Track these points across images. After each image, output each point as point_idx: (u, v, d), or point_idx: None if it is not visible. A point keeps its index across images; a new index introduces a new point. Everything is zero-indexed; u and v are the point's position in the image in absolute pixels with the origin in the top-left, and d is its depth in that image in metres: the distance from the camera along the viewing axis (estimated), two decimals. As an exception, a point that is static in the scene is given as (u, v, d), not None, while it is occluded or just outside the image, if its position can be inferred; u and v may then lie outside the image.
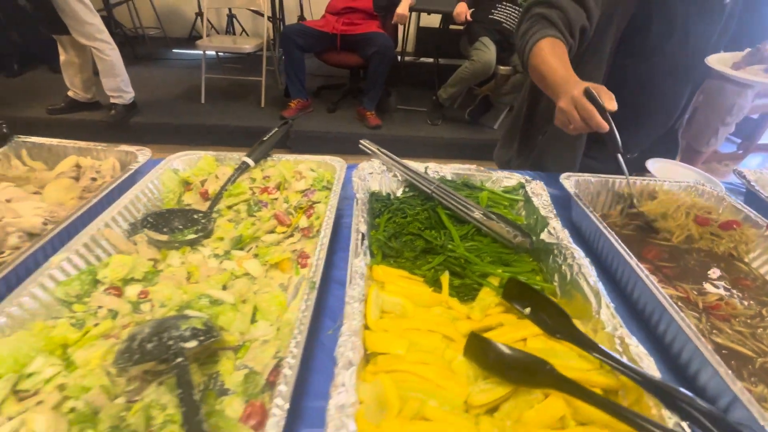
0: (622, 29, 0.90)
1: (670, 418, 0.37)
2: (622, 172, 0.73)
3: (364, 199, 0.64)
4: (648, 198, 0.78)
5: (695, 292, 0.61)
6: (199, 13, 4.48)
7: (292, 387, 0.37)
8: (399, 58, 3.25)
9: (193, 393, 0.36)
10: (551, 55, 0.81)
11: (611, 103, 0.68)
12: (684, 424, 0.37)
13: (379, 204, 0.69)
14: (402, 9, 2.58)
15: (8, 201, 0.58)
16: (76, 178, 0.71)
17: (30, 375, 0.40)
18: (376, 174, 0.73)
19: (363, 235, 0.55)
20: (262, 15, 3.07)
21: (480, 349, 0.41)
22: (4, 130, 0.75)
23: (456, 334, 0.47)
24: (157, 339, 0.40)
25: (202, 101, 3.07)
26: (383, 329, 0.46)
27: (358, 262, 0.50)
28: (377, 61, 2.65)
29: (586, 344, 0.43)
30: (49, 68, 3.41)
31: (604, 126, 0.67)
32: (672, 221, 0.71)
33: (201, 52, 3.06)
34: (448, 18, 2.99)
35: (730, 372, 0.42)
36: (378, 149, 0.74)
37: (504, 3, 2.66)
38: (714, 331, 0.56)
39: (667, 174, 0.91)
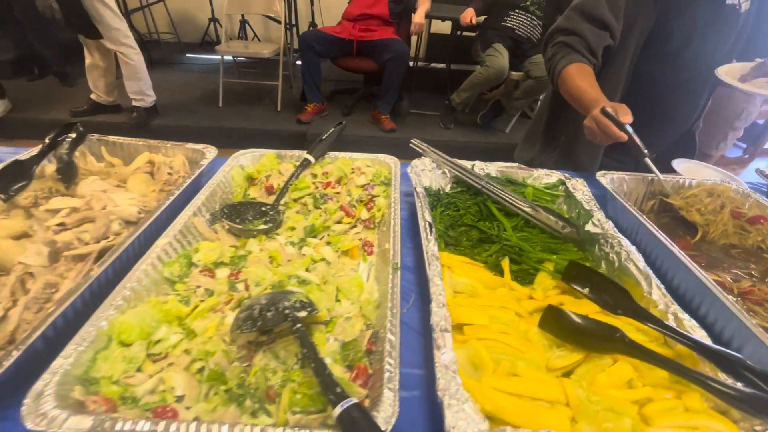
0: (645, 37, 0.97)
1: (726, 380, 0.42)
2: (652, 172, 0.79)
3: (423, 193, 0.70)
4: (678, 194, 0.84)
5: (730, 279, 0.66)
6: (213, 19, 4.57)
7: (398, 349, 0.42)
8: (411, 63, 3.32)
9: (316, 351, 0.41)
10: (579, 79, 0.91)
11: (626, 118, 0.76)
12: (739, 384, 0.42)
13: (431, 198, 0.75)
14: (419, 18, 2.65)
15: (104, 191, 0.64)
16: (150, 173, 0.77)
17: (158, 341, 0.46)
18: (427, 171, 0.79)
19: (430, 224, 0.61)
20: (279, 22, 3.14)
21: (555, 320, 0.46)
22: (81, 129, 0.80)
23: (523, 311, 0.52)
24: (274, 309, 0.45)
25: (220, 105, 3.13)
26: (459, 305, 0.51)
27: (431, 246, 0.56)
28: (393, 67, 2.72)
29: (647, 318, 0.48)
30: (53, 74, 3.44)
31: (622, 137, 0.74)
32: (709, 216, 0.76)
33: (217, 56, 3.13)
34: (458, 25, 3.06)
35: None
36: (428, 148, 0.80)
37: (516, 11, 2.73)
38: (750, 313, 0.61)
39: (693, 173, 0.97)
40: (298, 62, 3.78)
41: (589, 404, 0.40)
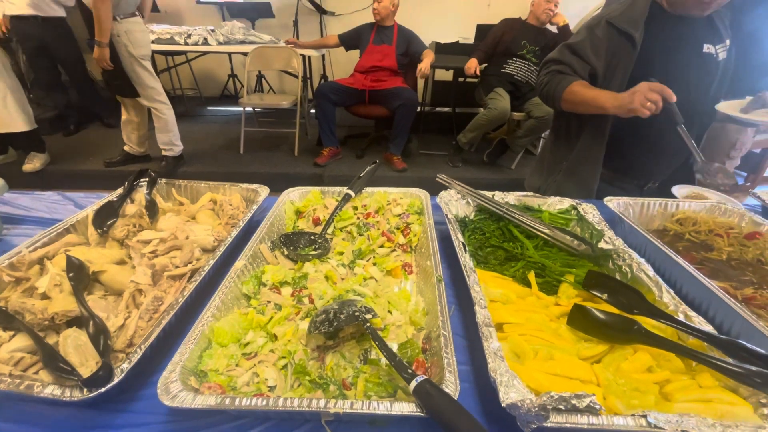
0: (629, 75, 1.11)
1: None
2: (687, 145, 0.96)
3: (454, 218, 0.80)
4: (675, 217, 0.93)
5: (731, 287, 0.74)
6: (232, 75, 4.95)
7: (452, 342, 0.50)
8: (419, 108, 3.55)
9: (385, 342, 0.49)
10: (587, 89, 1.09)
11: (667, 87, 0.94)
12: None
13: (459, 224, 0.85)
14: (425, 64, 2.89)
15: (184, 224, 0.75)
16: (213, 210, 0.88)
17: (247, 344, 0.55)
18: (453, 201, 0.90)
19: (463, 243, 0.71)
20: (296, 76, 3.43)
21: (581, 317, 0.55)
22: (152, 175, 0.93)
23: (552, 315, 0.60)
24: (345, 312, 0.54)
25: (241, 151, 3.35)
26: (496, 309, 0.59)
27: (468, 260, 0.65)
28: (403, 112, 2.93)
29: (660, 315, 0.56)
30: (102, 124, 3.78)
31: (673, 95, 0.94)
32: (718, 240, 0.85)
33: (237, 108, 3.39)
34: (460, 72, 3.32)
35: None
36: (453, 181, 0.91)
37: (514, 58, 2.97)
38: (753, 316, 0.68)
39: (693, 197, 1.06)
40: (313, 111, 4.06)
41: (616, 385, 0.48)
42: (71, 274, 0.59)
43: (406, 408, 0.42)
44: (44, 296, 0.59)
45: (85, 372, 0.46)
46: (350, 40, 3.20)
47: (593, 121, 1.17)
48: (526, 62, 2.95)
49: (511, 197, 0.92)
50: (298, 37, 4.44)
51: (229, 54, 4.55)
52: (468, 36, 4.22)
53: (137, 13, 2.44)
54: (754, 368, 0.47)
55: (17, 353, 0.50)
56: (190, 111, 4.55)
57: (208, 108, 4.83)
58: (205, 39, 3.46)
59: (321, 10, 4.46)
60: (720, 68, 1.15)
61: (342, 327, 0.53)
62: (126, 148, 2.97)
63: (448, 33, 4.41)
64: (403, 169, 3.04)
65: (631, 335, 0.52)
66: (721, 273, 0.79)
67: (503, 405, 0.42)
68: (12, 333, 0.53)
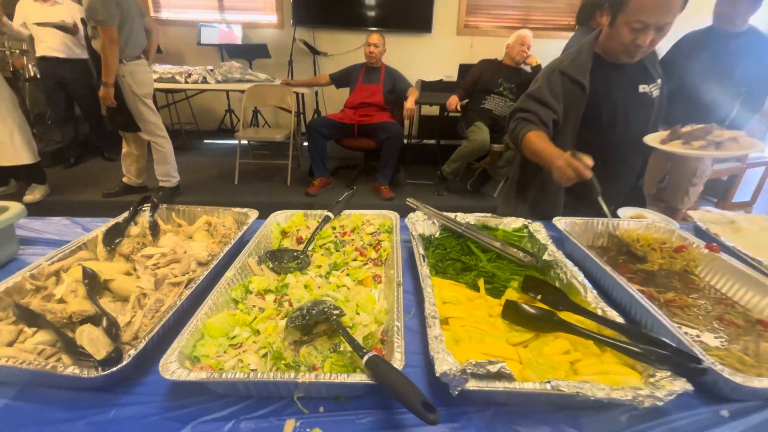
0: (582, 114, 1.27)
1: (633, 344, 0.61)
2: (603, 212, 1.02)
3: (418, 236, 0.92)
4: (620, 231, 1.07)
5: (655, 291, 0.86)
6: (229, 110, 5.18)
7: (403, 331, 0.61)
8: (406, 140, 3.76)
9: (347, 330, 0.60)
10: (539, 140, 1.20)
11: (589, 160, 1.03)
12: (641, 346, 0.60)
13: (424, 241, 0.97)
14: (410, 104, 3.11)
15: (183, 242, 0.86)
16: (208, 231, 1.00)
17: (234, 337, 0.65)
18: (420, 221, 1.02)
19: (423, 255, 0.83)
20: (290, 111, 3.64)
21: (513, 311, 0.66)
22: (154, 201, 1.05)
23: (494, 313, 0.72)
24: (316, 309, 0.65)
25: (236, 182, 3.49)
26: (445, 307, 0.71)
27: (425, 269, 0.77)
28: (390, 144, 3.12)
29: (580, 310, 0.68)
30: (103, 157, 3.95)
31: (587, 174, 1.01)
32: (647, 248, 0.98)
33: (233, 141, 3.57)
34: (444, 107, 3.55)
35: (671, 320, 0.66)
36: (421, 204, 1.05)
37: (492, 95, 3.21)
38: (673, 316, 0.80)
39: (635, 217, 1.20)
40: (305, 143, 4.25)
41: (536, 363, 0.58)
42: (86, 281, 0.69)
43: (359, 378, 0.53)
44: (60, 301, 0.70)
45: (99, 357, 0.56)
46: (341, 79, 3.44)
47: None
48: (504, 98, 3.19)
49: (471, 218, 1.05)
50: (292, 76, 4.72)
51: (227, 91, 4.79)
52: (451, 74, 4.52)
53: (142, 56, 2.65)
54: (647, 347, 0.58)
55: (40, 345, 0.60)
56: (187, 144, 4.73)
57: (204, 141, 5.02)
58: (205, 78, 3.68)
59: (314, 51, 4.76)
60: (655, 104, 1.33)
61: (314, 320, 0.64)
62: (125, 179, 3.10)
63: (433, 72, 4.72)
64: (390, 197, 3.19)
65: (551, 325, 0.64)
66: (650, 281, 0.92)
67: (437, 375, 0.52)
68: (35, 329, 0.63)
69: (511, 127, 1.35)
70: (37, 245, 1.00)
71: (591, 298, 0.73)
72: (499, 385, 0.52)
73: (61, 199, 3.12)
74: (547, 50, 4.34)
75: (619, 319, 0.67)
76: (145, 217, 1.02)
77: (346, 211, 1.07)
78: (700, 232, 1.12)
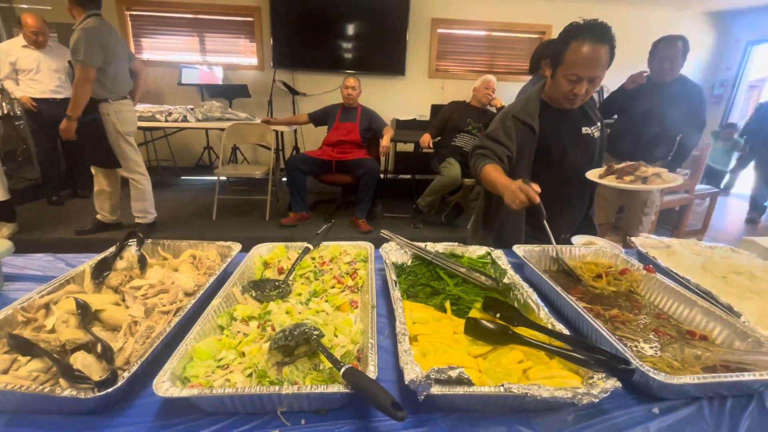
0: (534, 151, 1.43)
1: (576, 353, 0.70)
2: (549, 237, 1.15)
3: (391, 264, 1.01)
4: (571, 257, 1.19)
5: (601, 309, 0.96)
6: (208, 147, 5.25)
7: (376, 346, 0.69)
8: (382, 175, 3.92)
9: (326, 348, 0.67)
10: (494, 172, 1.33)
11: (537, 187, 1.14)
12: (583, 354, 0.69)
13: (397, 269, 1.06)
14: (385, 141, 3.29)
15: (170, 274, 0.92)
16: (193, 263, 1.05)
17: (221, 359, 0.70)
18: (393, 251, 1.12)
19: (395, 280, 0.91)
20: (270, 148, 3.75)
21: (473, 326, 0.74)
22: (140, 236, 1.11)
23: (458, 331, 0.80)
24: (298, 330, 0.71)
25: (214, 218, 3.51)
26: (415, 326, 0.78)
27: (396, 293, 0.85)
28: (367, 180, 3.25)
29: (533, 325, 0.77)
30: (76, 195, 3.90)
31: (537, 198, 1.11)
32: (588, 273, 1.10)
33: (211, 177, 3.63)
34: (418, 144, 3.76)
35: (612, 333, 0.77)
36: (394, 235, 1.14)
37: (462, 133, 3.44)
38: (616, 330, 0.90)
39: (585, 243, 1.33)
40: (284, 179, 4.33)
41: (493, 371, 0.67)
42: (79, 311, 0.74)
43: (337, 388, 0.59)
44: (51, 332, 0.73)
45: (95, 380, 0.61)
46: (319, 118, 3.60)
47: None
48: (472, 136, 3.42)
49: (440, 246, 1.15)
50: (272, 114, 4.89)
51: (206, 129, 4.88)
52: (424, 114, 4.80)
53: (128, 96, 2.75)
54: (589, 354, 0.68)
55: (34, 372, 0.64)
56: (165, 180, 4.73)
57: (182, 177, 5.03)
58: (185, 116, 3.78)
59: (293, 92, 4.97)
60: (597, 144, 1.51)
61: (296, 341, 0.70)
62: (99, 216, 3.08)
63: (407, 111, 5.00)
64: (368, 231, 3.28)
65: (506, 338, 0.72)
66: (599, 300, 1.03)
67: (406, 382, 0.60)
68: (29, 358, 0.67)
69: (471, 162, 1.50)
70: (21, 281, 1.03)
71: (543, 315, 0.83)
72: (459, 389, 0.59)
73: (30, 238, 3.04)
74: (510, 92, 4.71)
75: (566, 332, 0.77)
76: (130, 251, 1.06)
77: (325, 243, 1.15)
78: (641, 256, 1.25)
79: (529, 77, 2.79)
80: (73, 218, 3.38)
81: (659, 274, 1.06)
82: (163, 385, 0.59)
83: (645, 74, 2.49)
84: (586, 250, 1.22)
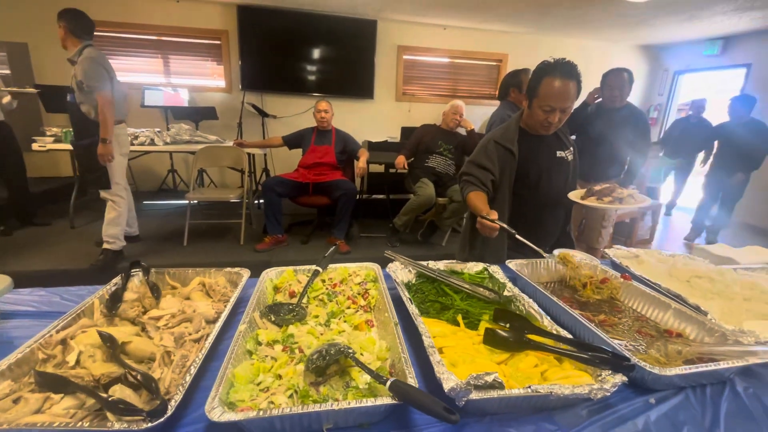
0: (514, 174, 1.57)
1: (582, 354, 0.79)
2: (532, 248, 1.26)
3: (402, 282, 1.07)
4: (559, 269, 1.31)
5: (592, 315, 1.07)
6: (172, 170, 5.08)
7: (410, 362, 0.74)
8: (358, 196, 3.98)
9: (366, 366, 0.71)
10: (475, 199, 1.47)
11: (493, 215, 1.28)
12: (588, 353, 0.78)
13: (404, 287, 1.12)
14: (362, 163, 3.38)
15: (187, 302, 0.92)
16: (203, 291, 1.05)
17: (260, 383, 0.72)
18: (399, 270, 1.18)
19: (410, 299, 0.97)
20: (242, 171, 3.71)
21: (492, 336, 0.82)
22: (144, 265, 1.09)
23: (475, 342, 0.87)
24: (334, 349, 0.75)
25: (185, 244, 3.39)
26: (437, 339, 0.85)
27: (414, 309, 0.91)
28: (344, 201, 3.30)
29: (542, 332, 0.85)
30: (33, 224, 3.64)
31: (495, 226, 1.26)
32: (578, 282, 1.22)
33: (177, 201, 3.53)
34: (390, 165, 3.88)
35: (605, 334, 0.87)
36: (397, 255, 1.20)
37: (434, 154, 3.60)
38: (599, 329, 1.01)
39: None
40: (255, 202, 4.27)
41: (516, 376, 0.74)
42: (108, 344, 0.73)
43: (386, 400, 0.64)
44: (73, 367, 0.72)
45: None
46: (293, 141, 3.63)
47: (497, 204, 1.57)
48: (444, 157, 3.59)
49: (441, 264, 1.23)
50: (242, 136, 4.84)
51: (170, 152, 4.74)
52: (395, 135, 4.96)
53: (123, 120, 2.83)
54: (594, 354, 0.77)
55: (72, 409, 0.63)
56: (126, 206, 4.49)
57: (144, 202, 4.81)
58: (152, 139, 3.67)
59: (263, 114, 4.97)
60: (570, 166, 1.67)
61: (333, 360, 0.74)
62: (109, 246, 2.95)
63: (378, 133, 5.14)
64: (347, 251, 3.31)
65: (522, 345, 0.80)
66: (585, 307, 1.14)
67: (446, 390, 0.65)
68: (61, 395, 0.65)
69: (459, 186, 1.63)
70: (16, 318, 0.98)
71: (547, 322, 0.92)
72: (493, 393, 0.66)
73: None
74: (473, 115, 5.02)
75: (570, 336, 0.86)
76: (134, 281, 1.05)
77: (332, 265, 1.19)
78: (615, 266, 1.40)
79: (497, 103, 3.00)
80: (26, 249, 3.14)
81: (635, 281, 1.19)
82: (216, 411, 0.61)
83: (596, 96, 2.80)
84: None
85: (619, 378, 0.71)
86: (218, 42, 5.00)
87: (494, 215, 1.28)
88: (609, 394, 0.68)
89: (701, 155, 4.86)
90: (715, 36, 5.42)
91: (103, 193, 2.80)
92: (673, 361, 0.87)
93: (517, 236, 1.25)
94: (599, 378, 0.73)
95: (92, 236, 3.33)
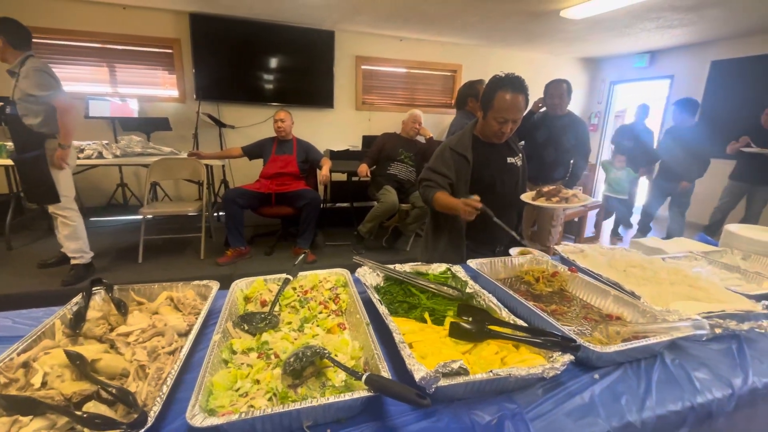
0: (470, 178, 1.68)
1: (536, 339, 0.88)
2: (504, 229, 1.38)
3: (371, 286, 1.12)
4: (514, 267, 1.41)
5: (544, 306, 1.18)
6: (122, 184, 4.82)
7: (383, 358, 0.79)
8: (321, 205, 3.99)
9: (342, 364, 0.75)
10: (444, 197, 1.58)
11: (476, 197, 1.45)
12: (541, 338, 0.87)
13: (374, 289, 1.17)
14: (325, 171, 3.40)
15: (157, 317, 0.91)
16: (171, 305, 1.05)
17: (238, 389, 0.74)
18: (367, 274, 1.23)
19: (380, 300, 1.02)
20: (198, 183, 3.61)
21: (456, 328, 0.89)
22: (105, 282, 1.07)
23: (441, 336, 0.94)
24: (310, 351, 0.78)
25: (140, 261, 3.23)
26: (406, 336, 0.90)
27: (384, 309, 0.97)
28: (308, 210, 3.31)
29: (500, 323, 0.94)
30: None
31: (479, 205, 1.43)
32: (531, 277, 1.32)
33: (129, 217, 3.38)
34: (352, 173, 3.93)
35: (556, 322, 0.97)
36: (365, 260, 1.26)
37: (395, 162, 3.70)
38: (558, 320, 1.12)
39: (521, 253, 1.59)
40: (215, 214, 4.16)
41: (478, 363, 0.81)
42: (77, 363, 0.72)
43: (363, 393, 0.68)
44: (39, 389, 0.70)
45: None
46: (253, 151, 3.59)
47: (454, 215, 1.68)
48: (405, 165, 3.70)
49: (407, 267, 1.29)
50: (198, 148, 4.69)
51: (120, 166, 4.51)
52: (356, 144, 5.02)
53: None
54: (546, 338, 0.86)
55: (42, 430, 0.62)
56: (70, 223, 4.20)
57: (91, 219, 4.52)
58: (100, 152, 3.48)
59: (220, 124, 4.85)
60: (520, 172, 1.81)
61: (309, 361, 0.77)
62: (76, 260, 2.84)
63: (340, 142, 5.18)
64: (313, 261, 3.31)
65: (484, 335, 0.88)
66: (539, 299, 1.25)
67: (417, 381, 0.71)
68: (30, 417, 0.64)
69: (420, 191, 1.73)
70: (-35, 345, 0.92)
71: (505, 314, 1.01)
72: (460, 379, 0.72)
73: None
74: (430, 122, 5.20)
75: (525, 324, 0.95)
76: (96, 300, 1.02)
77: (302, 273, 1.22)
78: (564, 260, 1.53)
79: (453, 111, 3.15)
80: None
81: (580, 273, 1.32)
82: (198, 417, 0.63)
83: (540, 105, 3.02)
84: (524, 258, 1.45)
85: (567, 357, 0.80)
86: (170, 51, 4.83)
87: (477, 198, 1.47)
88: (559, 372, 0.77)
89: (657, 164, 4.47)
90: (643, 50, 6.00)
91: (51, 209, 2.63)
92: (613, 341, 0.98)
93: (495, 219, 1.42)
94: (551, 359, 0.82)
95: (34, 257, 3.09)
